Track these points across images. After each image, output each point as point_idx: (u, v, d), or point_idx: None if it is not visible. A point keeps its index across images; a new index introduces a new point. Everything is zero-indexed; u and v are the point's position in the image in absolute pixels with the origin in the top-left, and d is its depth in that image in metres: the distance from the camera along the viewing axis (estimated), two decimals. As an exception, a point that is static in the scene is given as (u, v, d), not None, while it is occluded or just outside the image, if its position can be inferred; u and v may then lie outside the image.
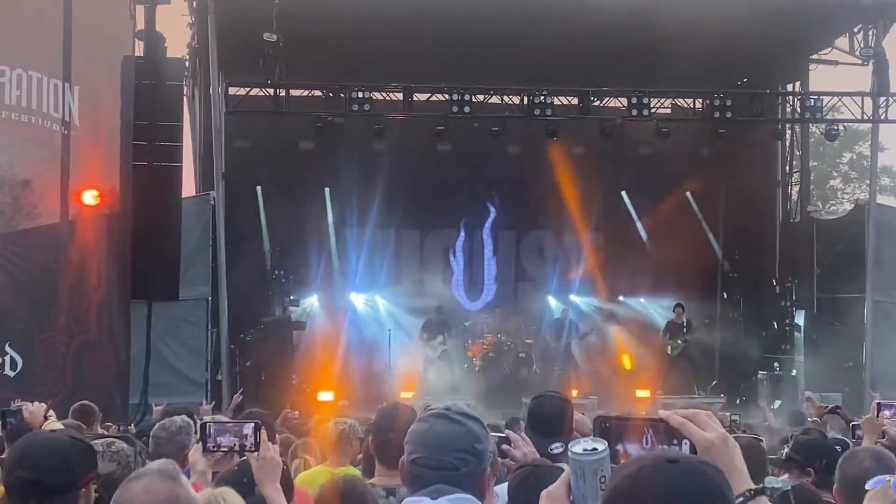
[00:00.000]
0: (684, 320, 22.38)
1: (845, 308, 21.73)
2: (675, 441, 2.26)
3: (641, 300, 24.06)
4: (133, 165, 16.05)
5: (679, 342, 22.17)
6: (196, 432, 7.21)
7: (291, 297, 22.33)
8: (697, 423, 2.28)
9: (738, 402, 20.77)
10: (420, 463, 3.24)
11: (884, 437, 6.46)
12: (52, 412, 6.58)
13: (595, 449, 2.28)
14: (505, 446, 4.72)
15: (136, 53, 17.05)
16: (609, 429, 2.32)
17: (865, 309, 20.94)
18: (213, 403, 15.45)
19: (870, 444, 6.44)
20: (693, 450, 2.24)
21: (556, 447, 4.94)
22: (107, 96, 16.02)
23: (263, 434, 4.48)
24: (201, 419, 7.81)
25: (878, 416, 6.50)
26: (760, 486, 2.29)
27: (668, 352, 22.28)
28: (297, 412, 14.95)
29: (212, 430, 4.62)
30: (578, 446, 2.31)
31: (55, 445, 3.77)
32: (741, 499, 2.24)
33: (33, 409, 6.50)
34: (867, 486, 3.46)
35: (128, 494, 3.12)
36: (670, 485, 2.01)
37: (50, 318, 15.42)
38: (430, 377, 21.31)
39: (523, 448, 4.76)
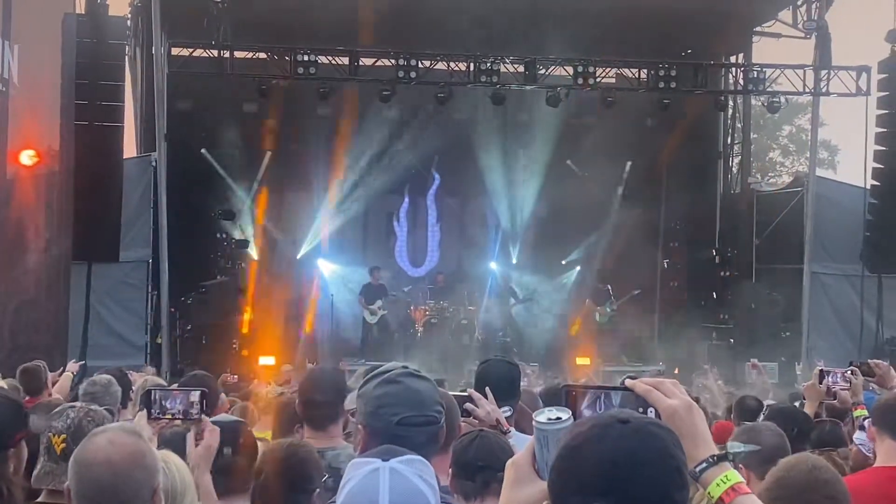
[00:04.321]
0: (609, 288, 22.46)
1: (783, 278, 22.05)
2: (640, 409, 2.27)
3: (578, 268, 24.07)
4: (74, 125, 15.80)
5: (608, 310, 22.27)
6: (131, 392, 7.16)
7: (234, 261, 22.19)
8: (662, 391, 2.31)
9: (675, 370, 20.96)
10: (407, 422, 3.21)
11: (835, 399, 6.56)
12: None
13: (559, 418, 2.29)
14: (468, 405, 4.64)
15: (78, 11, 16.76)
16: (575, 397, 2.33)
17: (803, 280, 21.27)
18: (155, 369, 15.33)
19: (811, 411, 6.57)
20: (658, 417, 2.26)
21: (506, 411, 4.94)
22: (47, 54, 15.72)
23: (209, 426, 4.38)
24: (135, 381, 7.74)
25: (820, 383, 6.59)
26: (723, 451, 2.31)
27: (597, 318, 22.36)
28: (236, 375, 14.97)
29: (157, 397, 4.53)
30: (543, 416, 2.31)
31: None
32: (704, 464, 2.27)
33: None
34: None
35: (91, 447, 3.10)
36: (619, 443, 2.03)
37: (-13, 277, 15.19)
38: (370, 342, 21.29)
39: (486, 406, 4.70)
